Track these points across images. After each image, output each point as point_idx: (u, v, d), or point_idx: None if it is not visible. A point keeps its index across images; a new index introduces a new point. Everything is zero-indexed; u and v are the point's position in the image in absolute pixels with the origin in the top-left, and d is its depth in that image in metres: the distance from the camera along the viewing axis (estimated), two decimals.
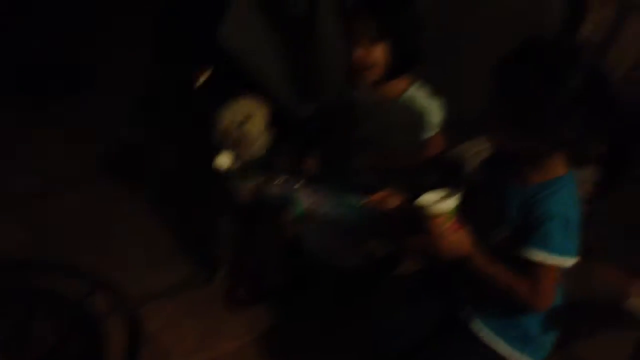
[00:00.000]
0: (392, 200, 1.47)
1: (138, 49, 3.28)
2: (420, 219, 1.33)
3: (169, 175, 2.75)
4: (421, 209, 1.33)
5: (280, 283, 2.05)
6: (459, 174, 1.74)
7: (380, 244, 1.93)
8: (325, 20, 2.42)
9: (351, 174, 1.80)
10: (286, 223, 1.75)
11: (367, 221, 1.75)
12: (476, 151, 1.70)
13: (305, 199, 1.73)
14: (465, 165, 1.72)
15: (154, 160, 2.87)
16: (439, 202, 1.31)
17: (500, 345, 1.38)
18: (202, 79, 1.81)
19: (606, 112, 1.19)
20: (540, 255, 1.23)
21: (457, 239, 1.30)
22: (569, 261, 1.24)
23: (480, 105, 1.27)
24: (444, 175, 1.76)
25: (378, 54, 1.65)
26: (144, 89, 3.36)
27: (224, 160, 1.75)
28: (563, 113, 1.17)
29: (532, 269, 1.25)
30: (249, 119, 1.76)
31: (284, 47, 2.72)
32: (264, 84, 2.72)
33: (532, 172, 1.29)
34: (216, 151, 1.78)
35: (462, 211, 1.32)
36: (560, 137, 1.20)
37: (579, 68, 1.18)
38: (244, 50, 2.68)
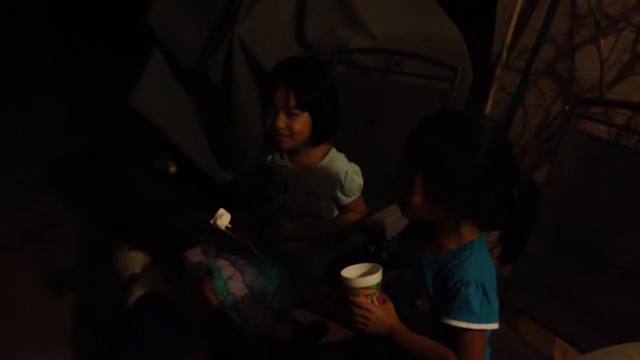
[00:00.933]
0: None
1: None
2: (345, 290, 1.34)
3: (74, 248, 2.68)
4: (346, 281, 1.33)
5: (207, 355, 1.98)
6: (380, 242, 1.77)
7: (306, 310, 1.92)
8: (241, 89, 2.45)
9: (274, 244, 1.79)
10: (208, 293, 1.70)
11: (289, 291, 1.76)
12: (397, 217, 1.73)
13: (226, 269, 1.71)
14: (386, 231, 1.75)
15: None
16: (364, 277, 1.33)
17: None
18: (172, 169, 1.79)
19: (511, 181, 1.24)
20: (463, 323, 1.23)
21: (381, 313, 1.30)
22: (491, 325, 1.25)
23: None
24: (365, 242, 1.78)
25: (301, 124, 1.67)
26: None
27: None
28: (478, 177, 1.20)
29: (458, 337, 1.25)
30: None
31: (199, 113, 2.73)
32: (181, 148, 2.71)
33: (445, 240, 1.31)
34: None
35: (385, 284, 1.33)
36: (476, 202, 1.23)
37: (488, 136, 1.22)
38: (157, 114, 2.67)
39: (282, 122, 1.65)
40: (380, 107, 2.15)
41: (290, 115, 1.65)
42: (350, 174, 1.73)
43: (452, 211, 1.25)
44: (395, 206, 1.82)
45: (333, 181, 1.73)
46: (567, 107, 2.43)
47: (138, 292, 1.91)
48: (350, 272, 1.36)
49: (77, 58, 4.49)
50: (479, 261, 1.27)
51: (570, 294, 1.62)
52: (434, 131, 1.24)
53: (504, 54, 2.71)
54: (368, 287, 1.31)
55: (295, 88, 1.63)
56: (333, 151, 1.78)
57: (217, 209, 1.61)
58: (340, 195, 1.75)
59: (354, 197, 1.76)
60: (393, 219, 1.74)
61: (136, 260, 2.01)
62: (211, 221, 1.61)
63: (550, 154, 2.67)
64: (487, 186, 1.22)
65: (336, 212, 1.81)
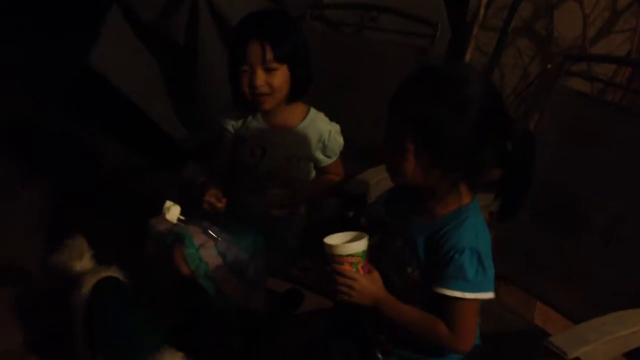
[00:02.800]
0: None
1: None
2: (328, 258, 1.25)
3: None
4: (329, 248, 1.25)
5: (180, 323, 1.89)
6: (359, 206, 1.68)
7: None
8: (207, 47, 2.31)
9: (252, 212, 1.69)
10: (179, 261, 1.59)
11: (264, 259, 1.67)
12: (379, 179, 1.65)
13: (197, 237, 1.61)
14: (368, 195, 1.66)
15: None
16: (349, 243, 1.24)
17: None
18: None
19: (505, 132, 1.15)
20: (456, 292, 1.16)
21: (366, 282, 1.22)
22: (486, 295, 1.17)
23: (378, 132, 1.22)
24: (347, 205, 1.69)
25: (281, 78, 1.56)
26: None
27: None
28: (472, 135, 1.12)
29: (450, 307, 1.17)
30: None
31: (163, 74, 2.58)
32: (145, 110, 2.57)
33: (436, 205, 1.23)
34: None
35: (370, 251, 1.25)
36: (472, 161, 1.14)
37: (476, 88, 1.14)
38: (118, 74, 2.51)
39: (260, 79, 1.55)
40: (355, 66, 2.05)
41: (268, 70, 1.55)
42: (333, 134, 1.66)
43: (447, 174, 1.17)
44: (377, 168, 1.74)
45: (315, 142, 1.65)
46: (549, 65, 2.36)
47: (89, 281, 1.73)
48: (334, 239, 1.28)
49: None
50: (474, 227, 1.19)
51: (551, 258, 1.58)
52: (420, 92, 1.15)
53: (481, 12, 2.62)
54: (353, 255, 1.23)
55: (271, 39, 1.52)
56: (313, 111, 1.69)
57: (163, 203, 1.54)
58: (321, 156, 1.67)
59: (334, 158, 1.68)
60: (375, 181, 1.66)
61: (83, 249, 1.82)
62: (161, 217, 1.54)
63: (527, 115, 2.62)
64: (482, 142, 1.13)
65: (313, 174, 1.72)
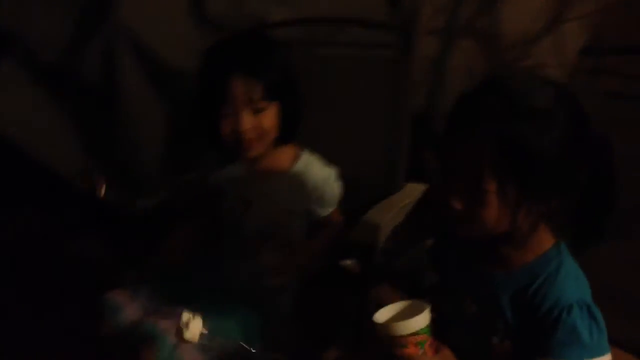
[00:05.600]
0: None
1: None
2: (384, 341, 0.97)
3: None
4: (385, 328, 0.97)
5: None
6: (371, 254, 1.41)
7: None
8: (131, 89, 1.95)
9: (240, 282, 1.38)
10: None
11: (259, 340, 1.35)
12: (390, 216, 1.40)
13: (171, 334, 1.26)
14: (378, 238, 1.40)
15: None
16: (411, 319, 0.97)
17: None
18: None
19: (592, 147, 0.93)
20: None
21: None
22: (605, 358, 0.93)
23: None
24: (362, 259, 1.42)
25: (271, 119, 1.31)
26: None
27: None
28: (564, 153, 0.89)
29: None
30: None
31: (75, 124, 2.17)
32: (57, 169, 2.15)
33: (513, 251, 0.98)
34: None
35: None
36: (562, 190, 0.91)
37: (561, 102, 0.90)
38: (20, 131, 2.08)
39: (248, 121, 1.28)
40: (317, 88, 1.77)
41: (256, 111, 1.29)
42: (330, 180, 1.42)
43: (531, 211, 0.92)
44: (380, 206, 1.48)
45: (310, 192, 1.39)
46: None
47: None
48: (384, 314, 1.01)
49: None
50: (571, 273, 0.96)
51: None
52: (499, 114, 0.89)
53: (424, 14, 2.42)
54: (417, 333, 0.96)
55: (259, 73, 1.26)
56: (306, 154, 1.41)
57: (180, 315, 1.11)
58: (318, 209, 1.42)
59: (332, 209, 1.44)
60: (385, 223, 1.41)
61: None
62: (176, 335, 1.12)
63: None
64: (577, 161, 0.90)
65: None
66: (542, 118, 0.88)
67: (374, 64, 1.72)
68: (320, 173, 1.41)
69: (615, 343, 0.96)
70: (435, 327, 0.98)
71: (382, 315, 1.01)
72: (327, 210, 1.43)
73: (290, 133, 1.38)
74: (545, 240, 0.98)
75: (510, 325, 0.98)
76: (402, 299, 1.04)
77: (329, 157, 1.48)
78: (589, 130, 0.93)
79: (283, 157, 1.41)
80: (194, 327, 1.09)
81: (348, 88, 1.72)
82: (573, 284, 0.95)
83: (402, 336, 0.95)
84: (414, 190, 1.62)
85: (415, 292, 1.36)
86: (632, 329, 1.21)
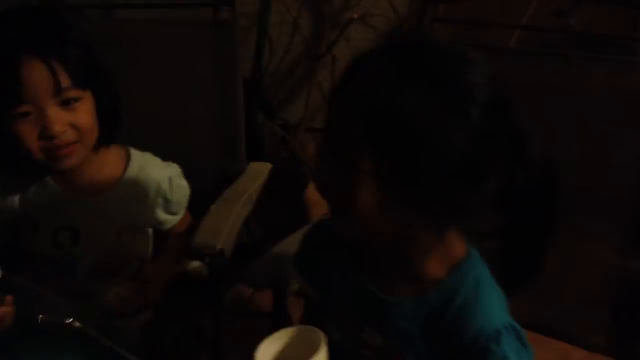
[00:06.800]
0: None
1: None
2: None
3: None
4: None
5: None
6: (221, 262, 1.16)
7: None
8: None
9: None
10: None
11: None
12: (238, 208, 1.17)
13: None
14: (222, 243, 1.15)
15: None
16: (297, 353, 0.74)
17: None
18: None
19: (518, 149, 0.72)
20: None
21: None
22: None
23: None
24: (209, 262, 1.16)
25: (88, 113, 1.03)
26: None
27: None
28: (477, 151, 0.69)
29: None
30: None
31: None
32: None
33: (421, 265, 0.77)
34: None
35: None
36: (473, 192, 0.70)
37: (484, 78, 0.70)
38: None
39: (60, 121, 0.99)
40: (131, 64, 1.45)
41: (66, 103, 1.00)
42: (175, 179, 1.16)
43: (433, 215, 0.72)
44: (220, 203, 1.24)
45: (153, 198, 1.14)
46: (355, 15, 2.02)
47: None
48: (265, 352, 0.77)
49: None
50: (491, 287, 0.77)
51: None
52: (388, 74, 0.69)
53: None
54: None
55: (62, 54, 0.99)
56: (136, 153, 1.15)
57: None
58: (165, 216, 1.16)
59: (182, 213, 1.20)
60: (229, 225, 1.18)
61: None
62: None
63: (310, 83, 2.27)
64: (490, 161, 0.70)
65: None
66: (454, 99, 0.68)
67: (196, 27, 1.46)
68: (160, 173, 1.15)
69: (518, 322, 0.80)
70: None
71: (265, 351, 0.77)
72: (175, 218, 1.18)
73: (111, 130, 1.09)
74: (457, 247, 0.78)
75: (425, 357, 0.78)
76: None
77: (156, 149, 1.21)
78: (514, 132, 0.72)
79: (109, 162, 1.13)
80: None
81: (167, 60, 1.44)
82: (495, 302, 0.77)
83: None
84: (260, 172, 1.39)
85: (278, 303, 1.16)
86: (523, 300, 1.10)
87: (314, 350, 0.74)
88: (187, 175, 1.21)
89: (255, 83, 2.22)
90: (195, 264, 1.29)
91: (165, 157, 1.21)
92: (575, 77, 1.15)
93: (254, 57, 2.22)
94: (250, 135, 1.65)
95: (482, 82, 0.69)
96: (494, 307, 0.76)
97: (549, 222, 0.76)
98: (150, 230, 1.16)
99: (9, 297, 0.93)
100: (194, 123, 1.41)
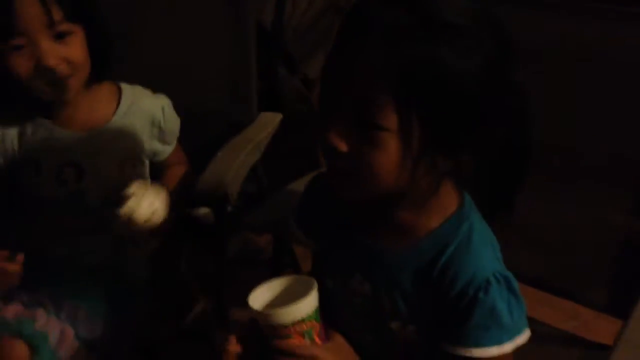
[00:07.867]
0: None
1: None
2: (264, 331, 0.77)
3: None
4: (265, 317, 0.76)
5: None
6: (224, 205, 1.17)
7: None
8: None
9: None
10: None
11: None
12: (245, 155, 1.18)
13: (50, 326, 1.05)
14: (229, 186, 1.16)
15: None
16: (294, 305, 0.75)
17: None
18: None
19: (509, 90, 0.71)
20: (492, 349, 0.73)
21: (331, 357, 0.77)
22: (524, 335, 0.75)
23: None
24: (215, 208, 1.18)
25: (79, 46, 1.04)
26: None
27: None
28: (484, 98, 0.68)
29: None
30: None
31: None
32: None
33: (415, 217, 0.76)
34: None
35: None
36: (476, 138, 0.69)
37: (488, 23, 0.68)
38: None
39: (53, 53, 1.00)
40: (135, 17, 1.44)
41: (59, 37, 1.01)
42: (167, 109, 1.19)
43: (435, 170, 0.71)
44: (229, 147, 1.25)
45: (149, 129, 1.17)
46: None
47: None
48: (259, 298, 0.79)
49: None
50: (484, 236, 0.76)
51: None
52: (406, 28, 0.66)
53: None
54: (302, 320, 0.76)
55: None
56: (126, 87, 1.18)
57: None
58: (160, 146, 1.19)
59: (175, 143, 1.22)
60: (235, 167, 1.18)
61: None
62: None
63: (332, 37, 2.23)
64: (497, 103, 0.69)
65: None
66: (462, 38, 0.66)
67: None
68: (153, 103, 1.18)
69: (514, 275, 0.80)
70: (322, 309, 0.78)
71: (259, 297, 0.79)
72: (169, 148, 1.21)
73: (104, 66, 1.10)
74: (450, 198, 0.77)
75: (414, 306, 0.77)
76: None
77: (164, 92, 1.23)
78: (513, 64, 0.71)
79: (102, 98, 1.14)
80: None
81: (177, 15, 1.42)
82: (488, 251, 0.75)
83: (284, 325, 0.75)
84: (269, 121, 1.38)
85: (279, 252, 1.17)
86: (531, 259, 1.09)
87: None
88: (197, 120, 1.22)
89: (276, 36, 2.20)
90: (204, 210, 1.31)
91: (174, 101, 1.21)
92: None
93: (275, 9, 2.20)
94: (270, 88, 1.64)
95: (488, 32, 0.68)
96: (485, 258, 0.75)
97: (521, 155, 0.75)
98: (147, 162, 1.18)
99: (19, 257, 0.98)
100: (203, 66, 1.38)
